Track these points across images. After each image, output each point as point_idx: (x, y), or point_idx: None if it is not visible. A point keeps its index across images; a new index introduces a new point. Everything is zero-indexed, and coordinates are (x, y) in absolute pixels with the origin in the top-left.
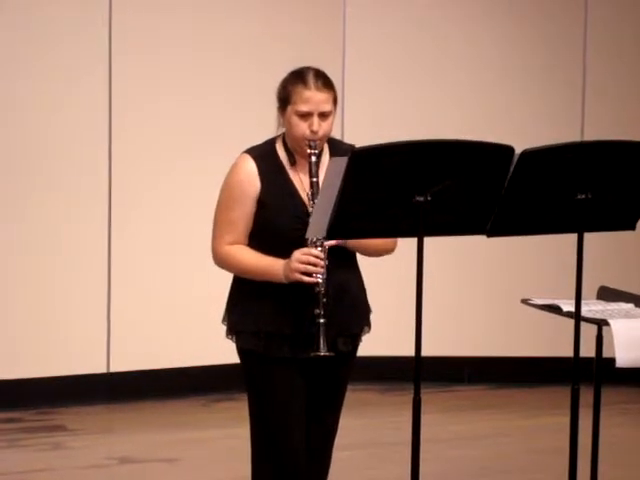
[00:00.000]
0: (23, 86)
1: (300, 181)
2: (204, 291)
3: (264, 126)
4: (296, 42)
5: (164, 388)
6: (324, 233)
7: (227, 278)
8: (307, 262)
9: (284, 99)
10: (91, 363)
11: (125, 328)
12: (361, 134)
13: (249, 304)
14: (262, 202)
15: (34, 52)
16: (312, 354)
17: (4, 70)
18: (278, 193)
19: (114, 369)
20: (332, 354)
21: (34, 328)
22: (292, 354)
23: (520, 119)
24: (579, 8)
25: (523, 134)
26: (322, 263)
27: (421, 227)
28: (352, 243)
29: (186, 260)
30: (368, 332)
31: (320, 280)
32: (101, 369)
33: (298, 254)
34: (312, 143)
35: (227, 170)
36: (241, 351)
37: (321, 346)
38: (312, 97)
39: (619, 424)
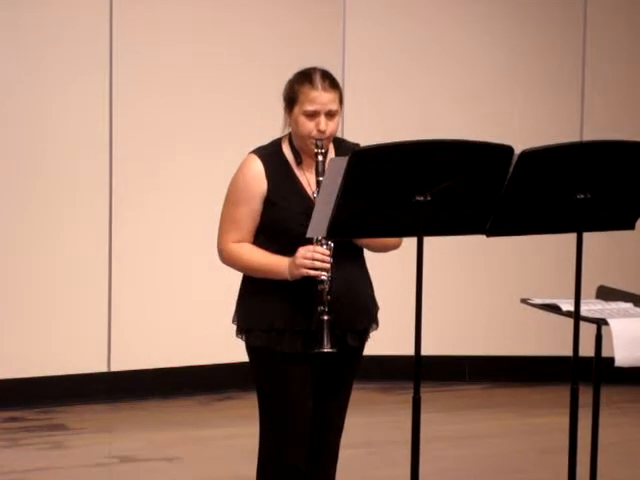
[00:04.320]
0: (23, 85)
1: (307, 180)
2: (205, 290)
3: (266, 124)
4: (296, 40)
5: (164, 387)
6: (324, 232)
7: (228, 278)
8: (312, 258)
9: (291, 99)
10: (92, 362)
11: (126, 327)
12: (361, 133)
13: (259, 302)
14: (269, 201)
15: (34, 52)
16: (316, 350)
17: (3, 70)
18: (285, 192)
19: (115, 368)
20: (335, 350)
21: (35, 327)
22: (303, 349)
23: (520, 119)
24: (578, 10)
25: (523, 133)
26: (328, 260)
27: (421, 227)
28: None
29: (187, 260)
30: (376, 329)
31: (325, 277)
32: (102, 368)
33: (303, 251)
34: (319, 142)
35: (227, 168)
36: (251, 349)
37: (325, 342)
38: (319, 97)
39: (619, 424)
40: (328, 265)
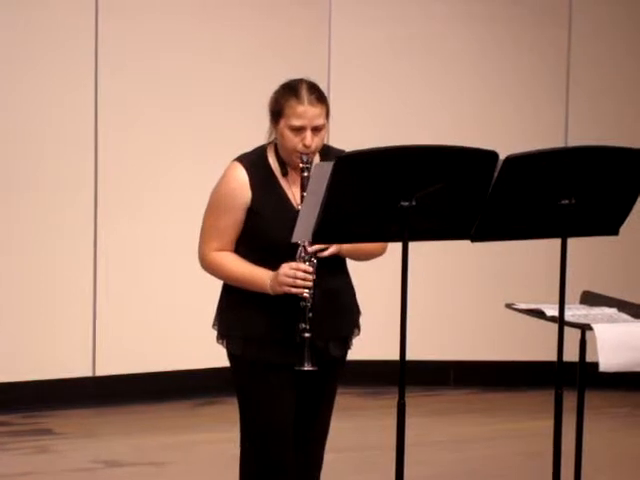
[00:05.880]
0: (9, 89)
1: (292, 192)
2: (190, 295)
3: (251, 130)
4: (281, 46)
5: (150, 392)
6: (310, 237)
7: (213, 282)
8: (294, 277)
9: (277, 112)
10: (77, 367)
11: (111, 332)
12: (346, 137)
13: (240, 309)
14: (253, 211)
15: (20, 56)
16: (296, 368)
17: None
18: (269, 202)
19: (100, 373)
20: (315, 369)
21: (20, 332)
22: (283, 360)
23: (505, 123)
24: (564, 11)
25: (508, 138)
26: (310, 278)
27: (406, 232)
28: (345, 250)
29: (172, 264)
30: (358, 334)
31: (307, 295)
32: (87, 373)
33: (286, 268)
34: (304, 157)
35: (212, 173)
36: (231, 356)
37: (305, 361)
38: (305, 112)
39: (603, 428)
40: (310, 283)
